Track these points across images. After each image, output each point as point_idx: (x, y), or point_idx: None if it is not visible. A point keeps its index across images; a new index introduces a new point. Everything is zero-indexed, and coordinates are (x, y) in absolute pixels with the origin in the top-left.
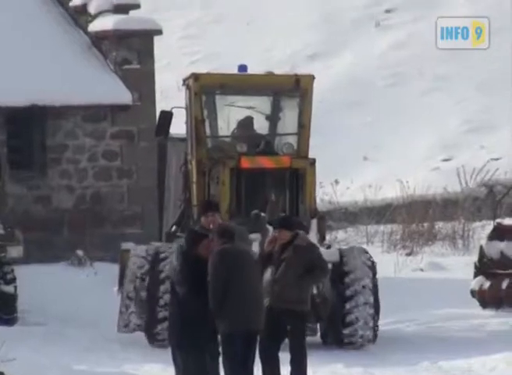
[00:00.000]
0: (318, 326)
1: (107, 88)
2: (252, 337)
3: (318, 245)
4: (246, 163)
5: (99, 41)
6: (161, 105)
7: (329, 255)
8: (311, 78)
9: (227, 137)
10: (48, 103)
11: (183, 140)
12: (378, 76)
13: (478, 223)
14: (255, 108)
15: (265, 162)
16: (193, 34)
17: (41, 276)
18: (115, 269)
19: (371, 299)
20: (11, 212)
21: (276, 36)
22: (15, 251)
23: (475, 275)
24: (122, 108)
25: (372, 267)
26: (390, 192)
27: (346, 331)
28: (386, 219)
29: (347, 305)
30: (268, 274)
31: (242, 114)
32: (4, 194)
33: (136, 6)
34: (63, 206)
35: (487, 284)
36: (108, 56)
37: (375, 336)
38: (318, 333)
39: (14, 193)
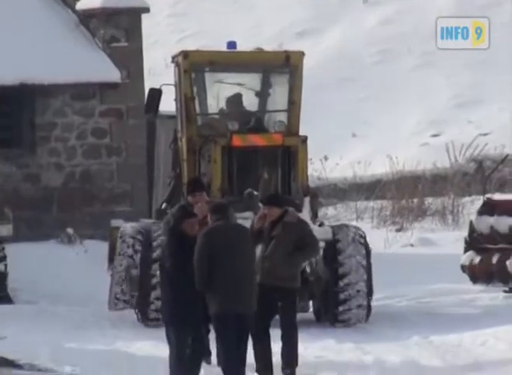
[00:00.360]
0: (311, 303)
1: (95, 66)
2: (243, 318)
3: (311, 223)
4: (237, 141)
5: (87, 19)
6: (149, 83)
7: (322, 232)
8: (300, 54)
9: (217, 114)
10: (36, 82)
11: (171, 117)
12: (366, 53)
13: (467, 198)
14: (245, 85)
15: (257, 140)
16: (181, 12)
17: (31, 255)
18: (104, 247)
19: (365, 277)
20: (0, 191)
21: (264, 13)
22: (4, 230)
23: (465, 250)
24: (111, 86)
25: (365, 245)
26: (379, 168)
27: (339, 309)
28: (376, 195)
29: (341, 283)
30: (258, 251)
31: (231, 91)
32: None
33: None
34: (52, 184)
35: (477, 259)
36: (95, 34)
37: (369, 314)
38: (311, 310)
39: (3, 171)
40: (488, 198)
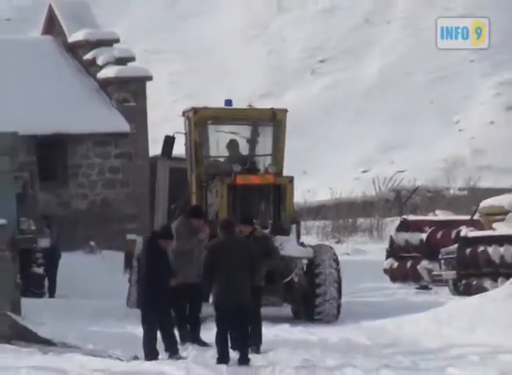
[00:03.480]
0: (291, 307)
1: (111, 121)
2: (234, 309)
3: (297, 243)
4: (240, 180)
5: (105, 85)
6: (151, 133)
7: (305, 252)
8: (285, 112)
9: (219, 157)
10: (68, 132)
11: (168, 159)
12: (314, 111)
13: (388, 219)
14: (239, 134)
15: (255, 180)
16: (175, 80)
17: (64, 261)
18: (119, 255)
19: (336, 285)
20: (41, 214)
21: (236, 79)
22: (44, 243)
23: (387, 257)
24: (123, 135)
25: (336, 261)
26: (323, 196)
27: (315, 310)
28: (320, 216)
29: (317, 290)
30: None
31: (229, 138)
32: (35, 201)
33: (132, 59)
34: (79, 209)
35: (395, 264)
36: (111, 97)
37: (338, 313)
38: (285, 305)
39: (43, 199)
40: (404, 219)
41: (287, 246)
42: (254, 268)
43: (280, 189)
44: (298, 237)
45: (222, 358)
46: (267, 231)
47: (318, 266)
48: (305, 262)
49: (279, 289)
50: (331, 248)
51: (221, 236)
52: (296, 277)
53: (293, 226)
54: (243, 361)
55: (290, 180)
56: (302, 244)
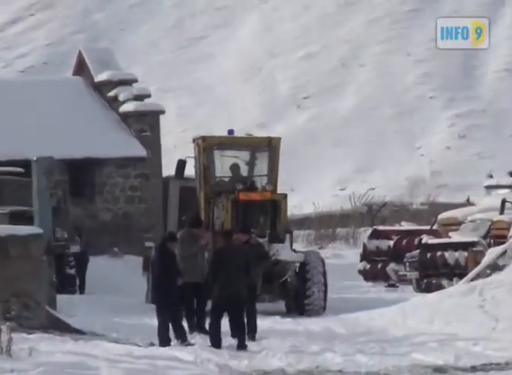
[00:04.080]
0: (285, 303)
1: (131, 147)
2: (233, 303)
3: (290, 250)
4: (243, 197)
5: (125, 118)
6: (165, 159)
7: (297, 257)
8: (279, 139)
9: (224, 177)
10: (94, 156)
11: (178, 178)
12: (299, 139)
13: (362, 229)
14: (240, 158)
15: (255, 196)
16: (183, 114)
17: (91, 264)
18: (138, 259)
19: (323, 287)
20: (72, 225)
21: (235, 113)
22: (74, 248)
23: (360, 261)
24: (140, 159)
25: (323, 263)
26: (308, 210)
27: (305, 306)
28: (305, 226)
29: (307, 291)
30: None
31: (231, 162)
32: (68, 214)
33: (148, 96)
34: (105, 220)
35: (368, 266)
36: (131, 127)
37: (324, 308)
38: (280, 301)
39: (75, 213)
40: (375, 229)
41: (282, 252)
42: (248, 270)
43: (276, 204)
44: (291, 244)
45: (216, 344)
46: (265, 240)
47: (308, 269)
48: (297, 265)
49: (275, 288)
50: (319, 254)
51: (221, 243)
52: (289, 278)
53: (287, 236)
54: (241, 347)
55: (284, 196)
56: (294, 251)
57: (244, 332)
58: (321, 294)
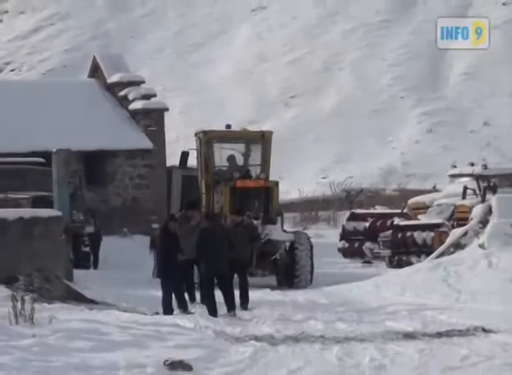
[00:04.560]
0: (276, 278)
1: (138, 141)
2: (218, 277)
3: (282, 230)
4: (239, 184)
5: (134, 115)
6: (168, 150)
7: (287, 236)
8: (271, 133)
9: (222, 167)
10: (107, 148)
11: (180, 168)
12: (286, 133)
13: (341, 212)
14: (236, 150)
15: (250, 183)
16: (185, 111)
17: (104, 243)
18: (145, 239)
19: (309, 262)
20: (87, 209)
21: (230, 110)
22: (89, 229)
23: (340, 240)
24: (147, 151)
25: (310, 243)
26: (294, 195)
27: (294, 280)
28: (291, 210)
29: (296, 266)
30: None
31: (229, 153)
32: (83, 199)
33: (154, 95)
34: (116, 205)
35: (346, 245)
36: (139, 123)
37: (311, 281)
38: (271, 276)
39: (89, 197)
40: (352, 212)
41: (274, 232)
42: (231, 246)
43: (269, 190)
44: (282, 225)
45: (212, 313)
46: (259, 221)
47: (297, 248)
48: (287, 244)
49: (267, 264)
50: (306, 234)
51: (206, 224)
52: (280, 255)
53: (279, 218)
54: (231, 311)
55: (276, 183)
56: (285, 231)
57: (233, 300)
58: (308, 270)
